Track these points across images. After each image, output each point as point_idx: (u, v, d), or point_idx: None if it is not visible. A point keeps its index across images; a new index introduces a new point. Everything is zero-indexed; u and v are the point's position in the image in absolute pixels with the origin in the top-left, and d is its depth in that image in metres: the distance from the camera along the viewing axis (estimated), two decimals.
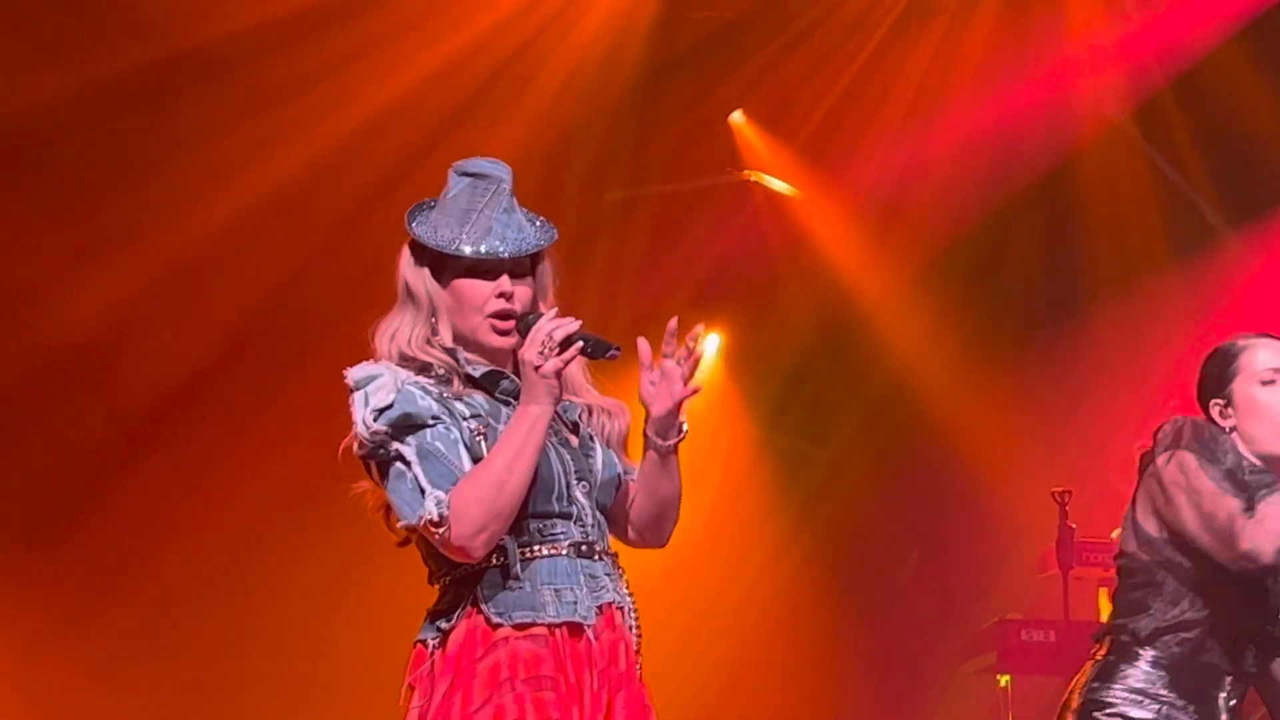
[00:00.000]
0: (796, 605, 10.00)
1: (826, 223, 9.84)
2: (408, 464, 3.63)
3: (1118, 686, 4.51)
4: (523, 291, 3.82)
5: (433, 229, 3.81)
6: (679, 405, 3.78)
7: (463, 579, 3.68)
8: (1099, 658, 4.58)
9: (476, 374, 3.79)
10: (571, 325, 3.66)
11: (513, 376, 3.81)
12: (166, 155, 8.25)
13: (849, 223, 9.78)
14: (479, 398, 3.76)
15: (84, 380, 8.56)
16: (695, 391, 3.78)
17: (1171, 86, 9.33)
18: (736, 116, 9.66)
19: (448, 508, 3.58)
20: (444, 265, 3.81)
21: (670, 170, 9.73)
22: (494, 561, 3.67)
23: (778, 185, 9.84)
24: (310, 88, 8.25)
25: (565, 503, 3.74)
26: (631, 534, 3.95)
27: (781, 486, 10.46)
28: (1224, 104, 9.23)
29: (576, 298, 3.95)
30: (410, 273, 3.83)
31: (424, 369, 3.76)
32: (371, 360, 3.79)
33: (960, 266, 9.74)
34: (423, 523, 3.59)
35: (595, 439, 3.87)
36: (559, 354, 3.65)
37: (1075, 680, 4.61)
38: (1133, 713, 4.48)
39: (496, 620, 3.62)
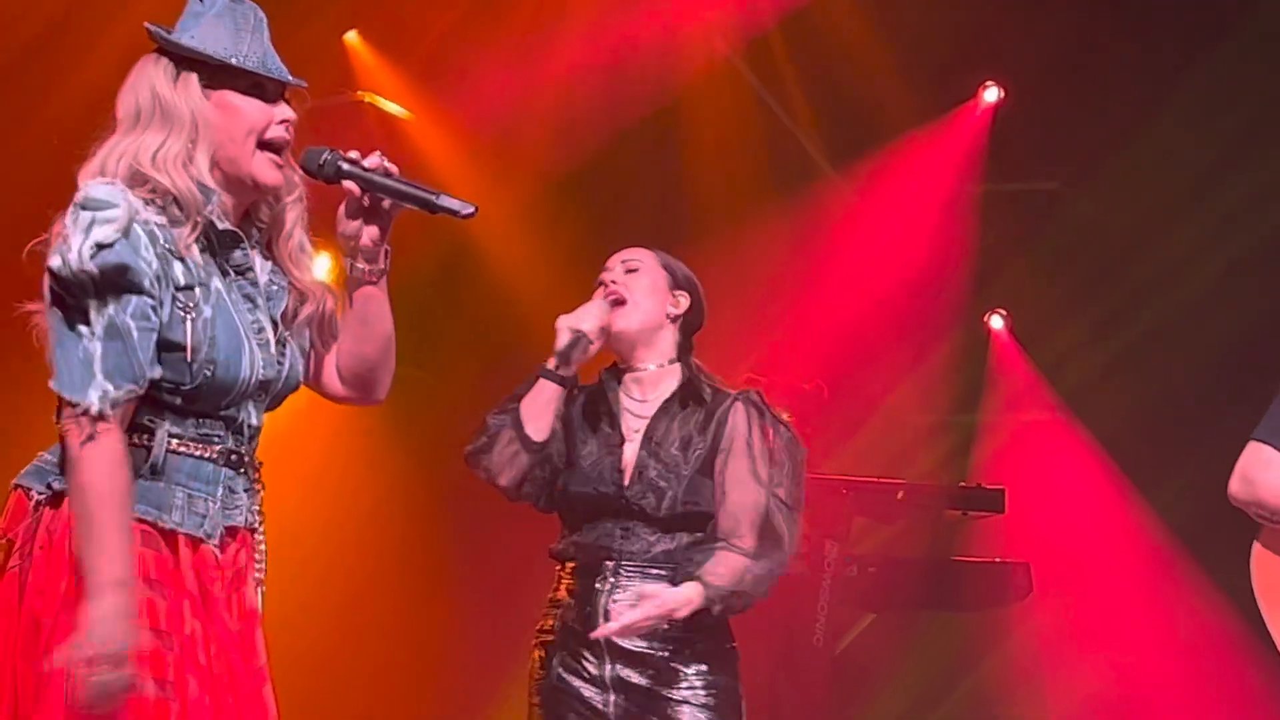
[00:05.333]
0: (406, 532, 9.97)
1: (440, 147, 9.76)
2: (91, 333, 3.27)
3: None
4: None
5: (200, 41, 3.48)
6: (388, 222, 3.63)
7: None
8: None
9: (220, 226, 3.46)
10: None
11: (247, 249, 3.55)
12: None
13: (463, 148, 9.74)
14: (197, 256, 3.43)
15: None
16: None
17: (780, 26, 9.51)
18: (350, 36, 9.52)
19: (110, 407, 3.25)
20: (213, 82, 3.49)
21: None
22: (137, 441, 3.37)
23: (391, 108, 9.75)
24: None
25: (235, 409, 3.49)
26: (344, 390, 3.75)
27: (386, 411, 10.38)
28: (829, 45, 9.44)
29: None
30: (165, 87, 3.45)
31: (161, 199, 3.39)
32: (108, 180, 3.38)
33: (572, 193, 9.79)
34: (73, 408, 3.26)
35: (290, 341, 3.62)
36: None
37: None
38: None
39: None
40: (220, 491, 3.47)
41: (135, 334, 3.29)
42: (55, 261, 3.29)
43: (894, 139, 9.92)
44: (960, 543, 9.54)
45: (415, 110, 9.78)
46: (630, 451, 4.86)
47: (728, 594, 4.68)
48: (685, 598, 4.64)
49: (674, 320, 4.96)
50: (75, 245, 3.27)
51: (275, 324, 3.60)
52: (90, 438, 3.25)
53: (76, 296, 3.28)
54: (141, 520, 3.36)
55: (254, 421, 3.54)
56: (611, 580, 4.75)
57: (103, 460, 3.26)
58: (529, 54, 9.31)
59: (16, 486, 3.44)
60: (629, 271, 4.98)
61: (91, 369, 3.26)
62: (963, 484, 9.33)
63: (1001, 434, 10.38)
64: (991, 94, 9.97)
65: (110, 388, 3.26)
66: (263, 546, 3.60)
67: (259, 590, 3.57)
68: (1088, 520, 10.01)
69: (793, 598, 8.39)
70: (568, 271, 9.95)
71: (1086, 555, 9.87)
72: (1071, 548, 9.82)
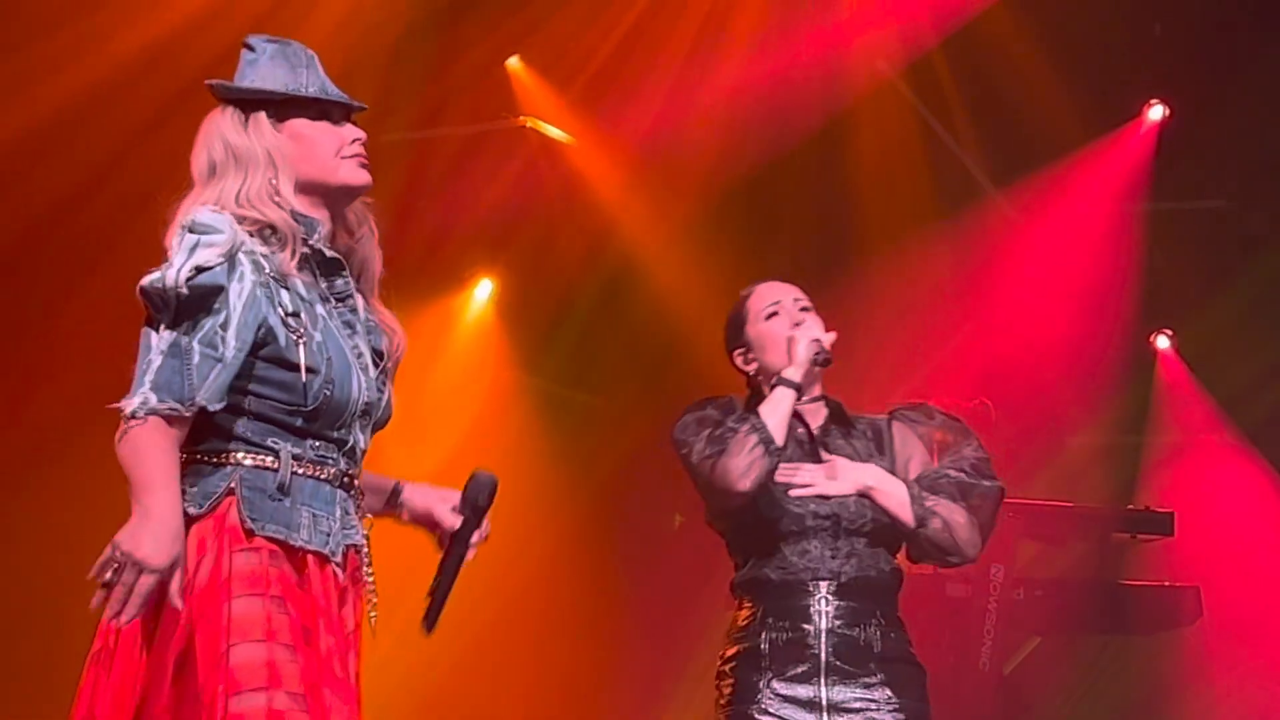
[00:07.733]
0: (562, 555, 10.02)
1: (601, 170, 9.85)
2: (158, 349, 3.40)
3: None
4: None
5: (262, 82, 3.66)
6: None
7: (222, 464, 3.49)
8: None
9: (327, 253, 3.64)
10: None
11: (348, 277, 3.69)
12: None
13: (624, 171, 9.80)
14: (300, 283, 3.58)
15: None
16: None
17: (942, 46, 9.48)
18: (513, 62, 9.62)
19: (145, 414, 3.37)
20: (281, 115, 3.65)
21: (446, 114, 9.66)
22: (263, 464, 3.49)
23: (553, 132, 9.83)
24: (76, 20, 8.03)
25: (346, 431, 3.60)
26: None
27: (550, 433, 10.48)
28: (992, 65, 9.40)
29: None
30: (235, 134, 3.62)
31: (259, 230, 3.55)
32: (215, 206, 3.54)
33: (734, 217, 9.82)
34: (120, 412, 3.39)
35: (389, 372, 3.74)
36: None
37: None
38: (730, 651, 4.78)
39: (250, 526, 3.43)
40: (338, 512, 3.58)
41: (196, 357, 3.41)
42: (150, 279, 3.44)
43: (1058, 158, 9.84)
44: (1128, 565, 9.44)
45: (576, 134, 9.85)
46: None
47: (934, 515, 4.70)
48: (895, 485, 4.72)
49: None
50: (176, 265, 3.41)
51: (376, 353, 3.72)
52: (125, 432, 3.37)
53: (160, 312, 3.41)
54: (272, 539, 3.46)
55: (363, 444, 3.66)
56: (824, 600, 4.70)
57: (141, 439, 3.36)
58: (689, 77, 9.35)
59: None
60: (803, 309, 4.96)
61: (144, 380, 3.39)
62: (1130, 506, 9.24)
63: (1168, 456, 10.25)
64: (1156, 112, 9.87)
65: (153, 398, 3.37)
66: (370, 567, 3.67)
67: (371, 608, 3.67)
68: (1261, 545, 9.86)
69: (959, 620, 8.35)
70: (727, 291, 9.98)
71: (1259, 581, 9.72)
72: (1243, 572, 9.67)
